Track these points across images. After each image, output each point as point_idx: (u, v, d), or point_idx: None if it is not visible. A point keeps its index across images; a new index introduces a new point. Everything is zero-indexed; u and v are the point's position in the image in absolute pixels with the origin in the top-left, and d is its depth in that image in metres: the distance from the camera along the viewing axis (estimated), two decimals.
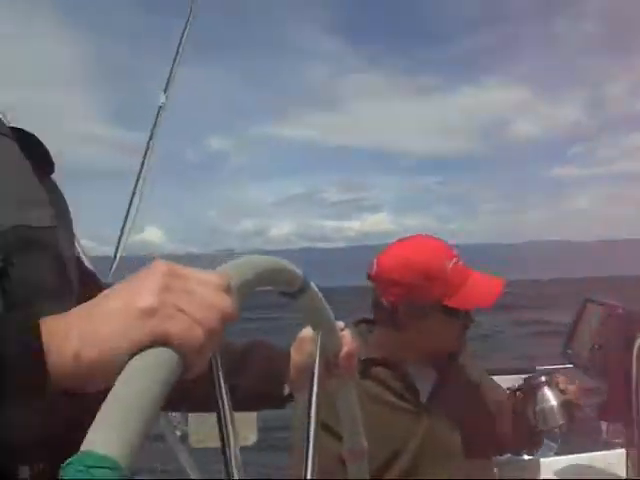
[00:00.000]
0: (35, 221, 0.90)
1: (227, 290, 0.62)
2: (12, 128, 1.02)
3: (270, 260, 0.76)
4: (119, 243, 2.41)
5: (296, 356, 1.25)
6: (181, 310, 0.58)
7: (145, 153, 2.58)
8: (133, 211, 2.47)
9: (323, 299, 0.92)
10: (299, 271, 0.83)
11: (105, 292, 0.61)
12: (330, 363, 1.04)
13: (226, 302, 0.61)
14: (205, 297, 0.60)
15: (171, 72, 2.76)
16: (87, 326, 0.59)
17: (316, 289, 0.89)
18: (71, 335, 0.59)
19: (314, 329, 0.98)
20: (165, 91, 2.71)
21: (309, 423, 0.86)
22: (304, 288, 0.85)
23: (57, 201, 1.01)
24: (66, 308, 0.90)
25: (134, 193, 2.51)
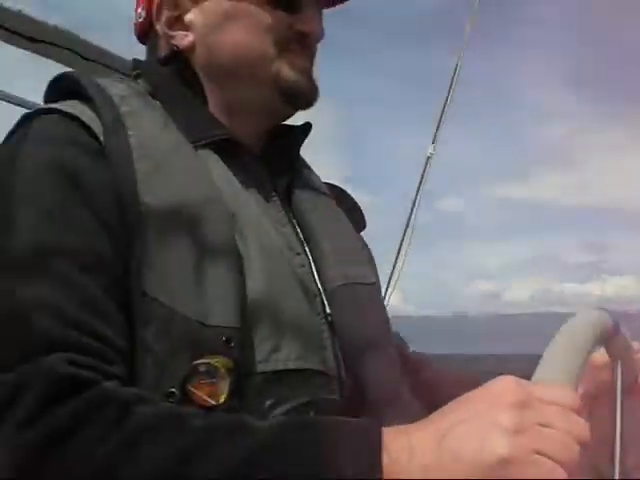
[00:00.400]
0: (360, 278, 0.94)
1: (579, 409, 0.59)
2: (327, 184, 1.07)
3: (589, 328, 0.72)
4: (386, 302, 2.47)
5: (585, 384, 1.18)
6: (539, 453, 0.55)
7: (413, 206, 2.63)
8: (397, 271, 2.52)
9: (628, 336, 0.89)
10: (609, 318, 0.79)
11: (447, 420, 0.59)
12: (625, 389, 0.97)
13: (581, 427, 0.58)
14: (562, 429, 0.57)
15: (439, 123, 2.79)
16: (434, 465, 0.57)
17: (623, 330, 0.85)
18: (413, 466, 0.57)
19: (614, 360, 0.93)
20: (433, 142, 2.75)
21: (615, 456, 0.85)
22: (615, 333, 0.82)
23: (369, 256, 1.05)
24: (389, 361, 0.92)
25: (399, 251, 2.57)
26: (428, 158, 2.68)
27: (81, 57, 2.25)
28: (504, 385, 0.59)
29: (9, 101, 2.52)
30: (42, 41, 2.24)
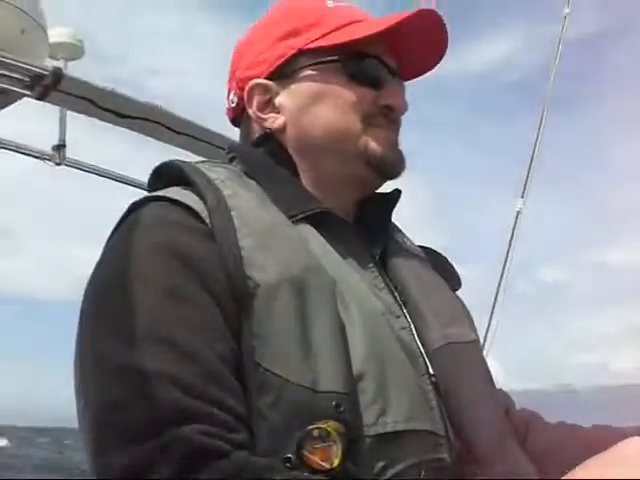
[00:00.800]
0: (460, 337, 0.98)
1: None
2: (420, 247, 1.13)
3: None
4: None
5: None
6: None
7: (503, 269, 2.61)
8: (490, 338, 2.52)
9: None
10: None
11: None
12: None
13: None
14: None
15: (527, 176, 2.78)
16: None
17: None
18: None
19: None
20: (522, 196, 2.74)
21: None
22: None
23: (467, 314, 1.09)
24: (496, 419, 0.94)
25: (490, 320, 2.57)
26: (518, 213, 2.67)
27: (175, 132, 2.38)
28: (636, 447, 0.62)
29: (127, 182, 2.68)
30: (136, 118, 2.39)
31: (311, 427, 0.75)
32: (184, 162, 0.96)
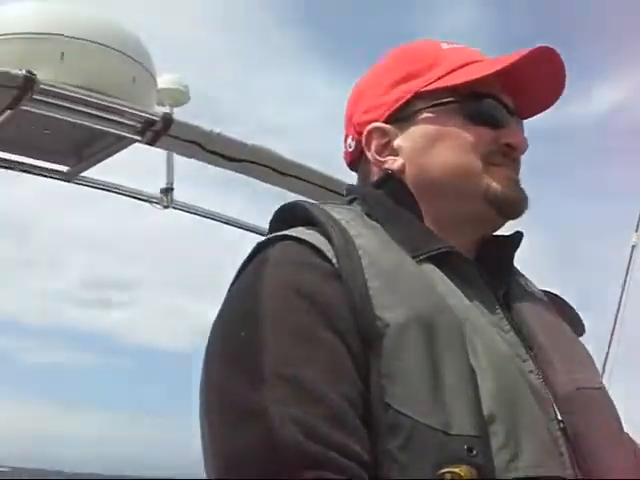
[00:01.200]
0: (588, 382, 0.98)
1: None
2: (543, 291, 1.13)
3: None
4: None
5: None
6: None
7: (619, 303, 2.54)
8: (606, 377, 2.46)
9: None
10: None
11: None
12: None
13: None
14: None
15: None
16: None
17: None
18: None
19: None
20: (637, 230, 2.68)
21: None
22: None
23: (592, 360, 1.08)
24: (629, 465, 0.95)
25: (606, 360, 2.50)
26: (633, 247, 2.61)
27: (282, 174, 2.45)
28: None
29: (236, 225, 2.76)
30: (243, 160, 2.48)
31: (443, 471, 0.75)
32: (308, 203, 0.99)
